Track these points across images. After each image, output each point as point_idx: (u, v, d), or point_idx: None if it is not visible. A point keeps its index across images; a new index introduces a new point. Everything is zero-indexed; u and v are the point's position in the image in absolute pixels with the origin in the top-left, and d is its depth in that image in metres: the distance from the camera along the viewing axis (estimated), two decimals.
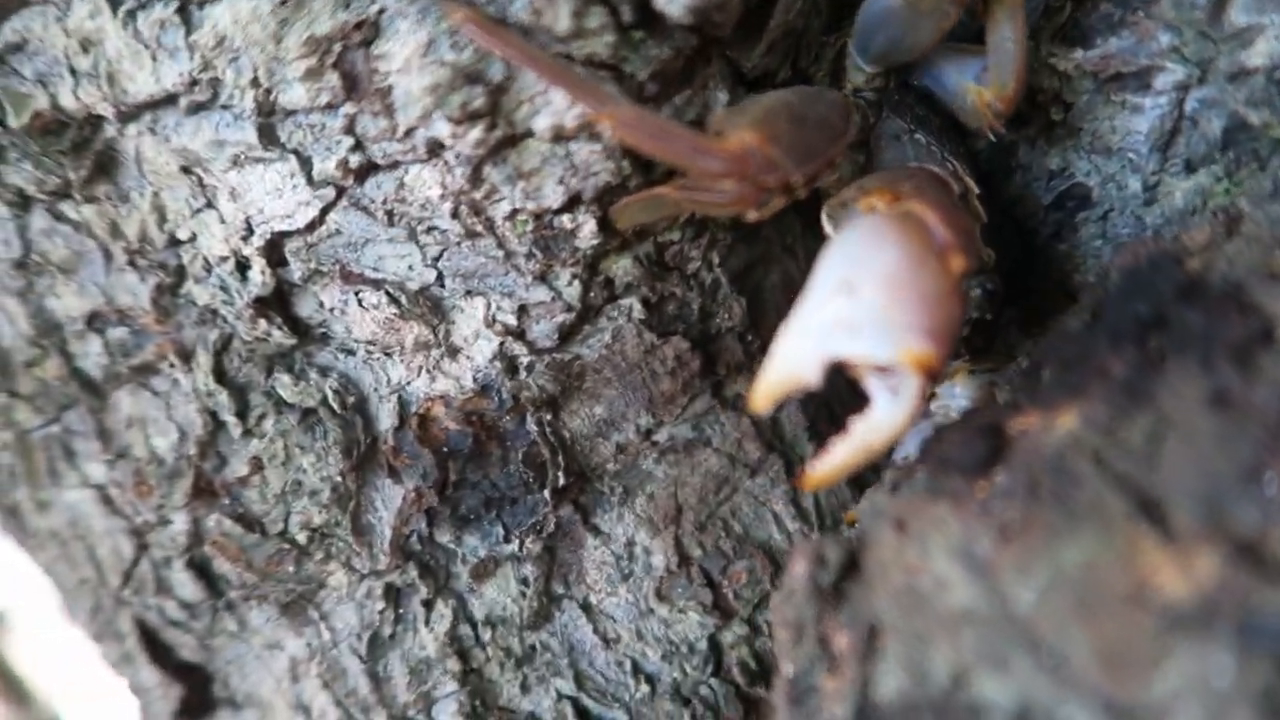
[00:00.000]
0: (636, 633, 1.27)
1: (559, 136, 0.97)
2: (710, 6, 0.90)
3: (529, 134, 0.98)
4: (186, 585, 1.28)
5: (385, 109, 0.97)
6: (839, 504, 1.34)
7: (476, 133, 0.95)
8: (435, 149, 0.99)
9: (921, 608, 0.80)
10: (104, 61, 1.05)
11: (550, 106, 0.96)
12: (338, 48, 0.93)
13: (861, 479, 1.34)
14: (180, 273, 1.18)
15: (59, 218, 1.18)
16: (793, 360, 0.85)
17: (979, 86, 0.95)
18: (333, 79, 0.95)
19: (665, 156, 0.83)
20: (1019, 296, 1.16)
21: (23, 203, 1.18)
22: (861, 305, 0.82)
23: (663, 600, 1.26)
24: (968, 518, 0.79)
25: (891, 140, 1.04)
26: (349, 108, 0.98)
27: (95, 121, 1.11)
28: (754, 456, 1.27)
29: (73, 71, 1.08)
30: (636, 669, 1.27)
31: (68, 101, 1.09)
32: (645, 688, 1.26)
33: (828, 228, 1.01)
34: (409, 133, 0.98)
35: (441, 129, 0.96)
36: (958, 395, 1.14)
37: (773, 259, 1.26)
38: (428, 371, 1.17)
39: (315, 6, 0.92)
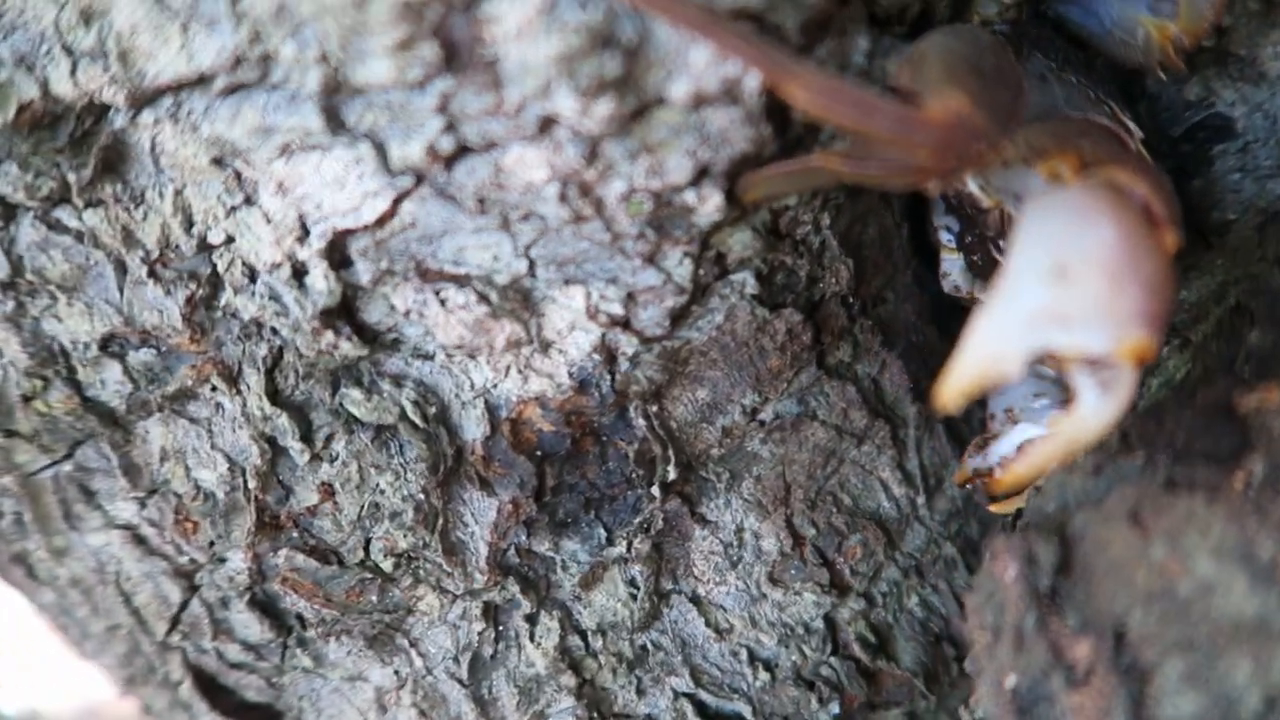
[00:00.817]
0: (750, 619, 1.19)
1: (697, 104, 0.83)
2: None
3: (661, 101, 0.84)
4: (251, 625, 1.14)
5: (492, 82, 0.81)
6: (941, 462, 1.27)
7: (606, 106, 0.81)
8: (547, 125, 0.84)
9: (1191, 616, 0.73)
10: (112, 37, 0.86)
11: (690, 69, 0.81)
12: (438, 10, 0.77)
13: (959, 433, 1.28)
14: (216, 282, 1.00)
15: (54, 227, 0.99)
16: (994, 353, 0.75)
17: (1156, 19, 0.85)
18: (428, 50, 0.79)
19: (866, 128, 0.71)
20: None
21: (6, 212, 0.98)
22: (1075, 292, 0.72)
23: (775, 584, 1.18)
24: (1237, 515, 0.72)
25: (1038, 82, 0.93)
26: (444, 84, 0.82)
27: (98, 110, 0.92)
28: (860, 425, 1.19)
29: (68, 50, 0.88)
30: (753, 657, 1.19)
31: (63, 88, 0.89)
32: (764, 675, 1.19)
33: (976, 190, 0.91)
34: (519, 109, 0.83)
35: (564, 103, 0.81)
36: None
37: (871, 212, 1.16)
38: (518, 371, 1.04)
39: None
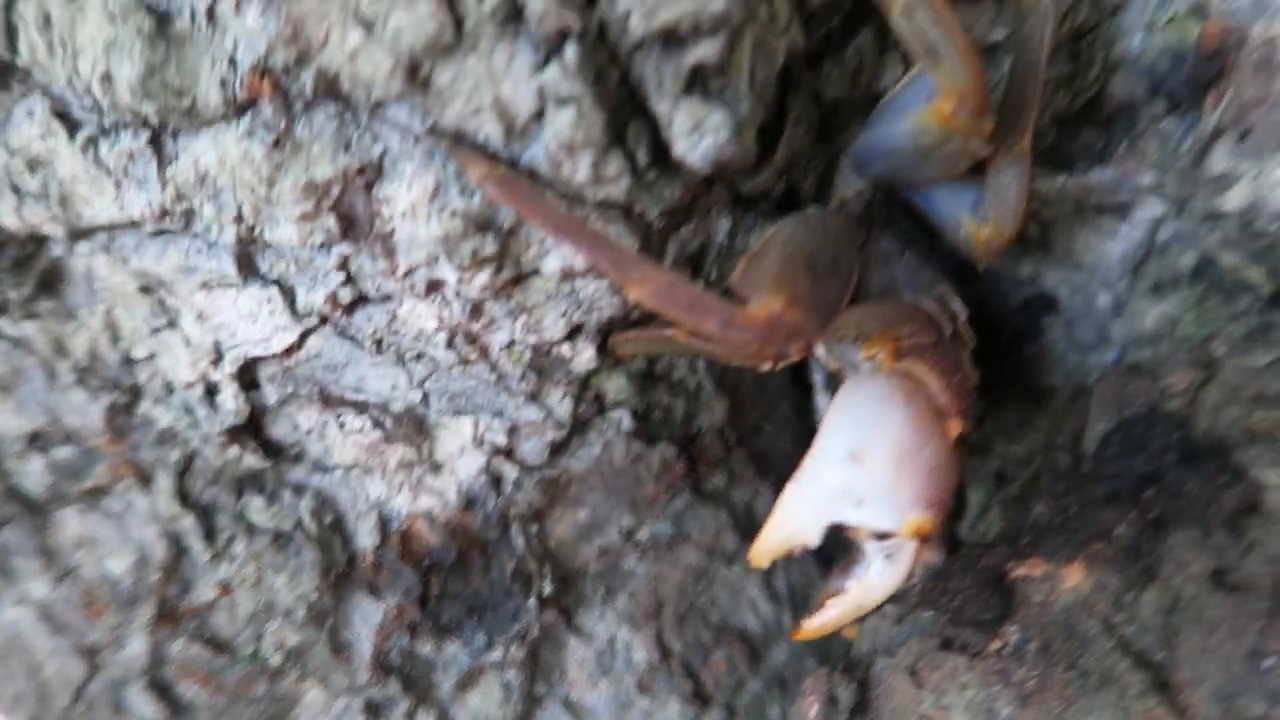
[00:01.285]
0: None
1: (567, 276, 0.95)
2: (731, 158, 0.89)
3: (536, 273, 0.95)
4: (146, 707, 1.21)
5: (385, 251, 0.93)
6: (807, 582, 1.37)
7: (484, 277, 0.92)
8: (435, 286, 0.96)
9: None
10: (55, 183, 0.96)
11: (560, 249, 0.93)
12: (337, 190, 0.89)
13: (829, 556, 1.38)
14: (136, 392, 1.10)
15: None
16: (796, 523, 0.87)
17: (975, 221, 0.98)
18: (329, 221, 0.90)
19: (695, 327, 0.83)
20: (985, 389, 1.21)
21: None
22: (867, 476, 0.84)
23: (644, 692, 1.27)
24: (987, 677, 0.83)
25: (883, 260, 1.06)
26: (345, 248, 0.93)
27: (40, 240, 1.02)
28: (731, 547, 1.29)
29: (16, 190, 0.99)
30: None
31: (8, 220, 1.00)
32: None
33: (823, 362, 1.02)
34: (409, 273, 0.94)
35: (447, 274, 0.92)
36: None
37: None
38: (410, 488, 1.14)
39: (314, 150, 0.87)
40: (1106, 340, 1.11)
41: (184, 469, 1.11)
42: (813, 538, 0.83)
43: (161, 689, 1.17)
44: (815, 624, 0.86)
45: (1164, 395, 0.92)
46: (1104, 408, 0.94)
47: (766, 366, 0.92)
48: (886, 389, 0.85)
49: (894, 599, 1.02)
